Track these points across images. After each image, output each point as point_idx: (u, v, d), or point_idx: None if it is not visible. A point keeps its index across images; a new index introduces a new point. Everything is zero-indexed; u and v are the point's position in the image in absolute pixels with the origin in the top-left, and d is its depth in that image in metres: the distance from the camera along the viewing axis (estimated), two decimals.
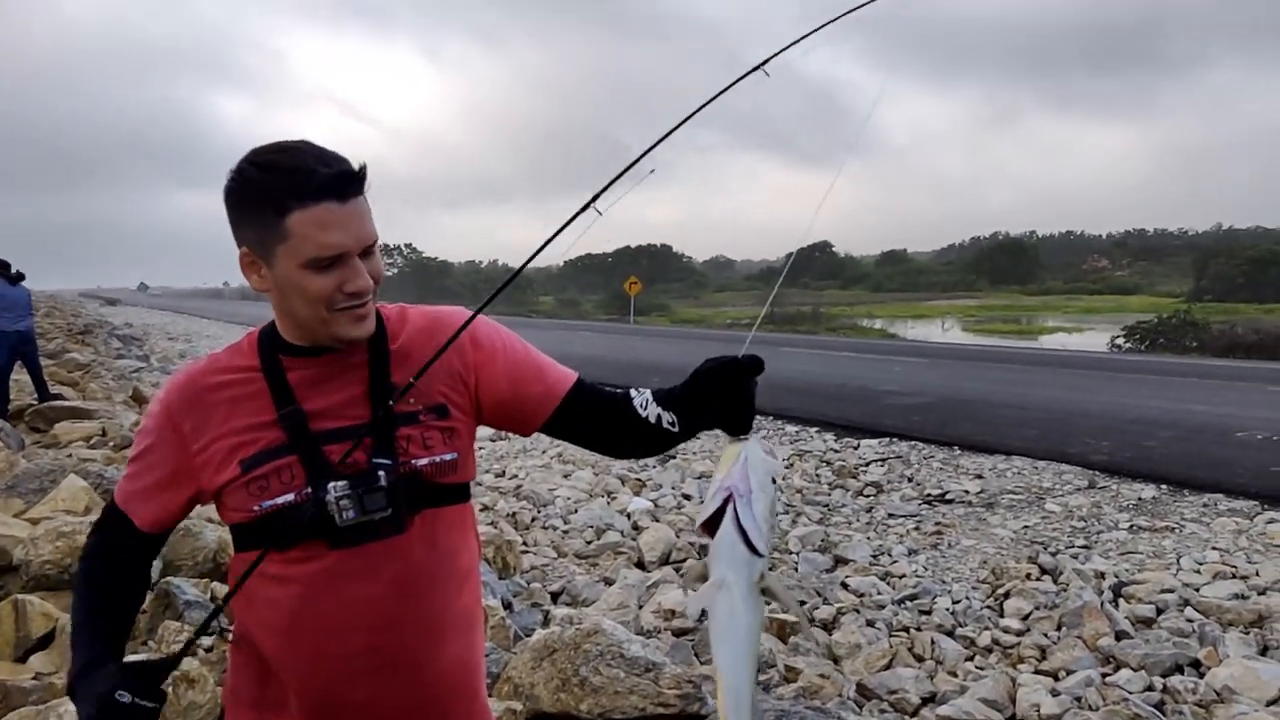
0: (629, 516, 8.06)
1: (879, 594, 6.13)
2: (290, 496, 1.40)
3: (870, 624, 5.62)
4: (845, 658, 5.27)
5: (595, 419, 1.59)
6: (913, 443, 10.73)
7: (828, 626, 5.76)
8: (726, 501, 1.36)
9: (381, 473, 1.42)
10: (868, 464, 9.93)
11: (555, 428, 1.59)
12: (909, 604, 5.94)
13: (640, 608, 5.99)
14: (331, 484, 1.39)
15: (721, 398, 1.45)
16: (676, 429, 1.55)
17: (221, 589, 4.50)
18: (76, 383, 15.09)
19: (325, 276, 1.37)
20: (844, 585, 6.41)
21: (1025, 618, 5.57)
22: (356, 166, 1.38)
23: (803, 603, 6.07)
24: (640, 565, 7.00)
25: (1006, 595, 5.89)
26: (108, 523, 1.55)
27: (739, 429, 1.44)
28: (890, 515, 8.09)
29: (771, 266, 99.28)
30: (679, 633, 5.54)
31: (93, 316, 43.56)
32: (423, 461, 1.47)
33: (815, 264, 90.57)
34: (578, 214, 1.58)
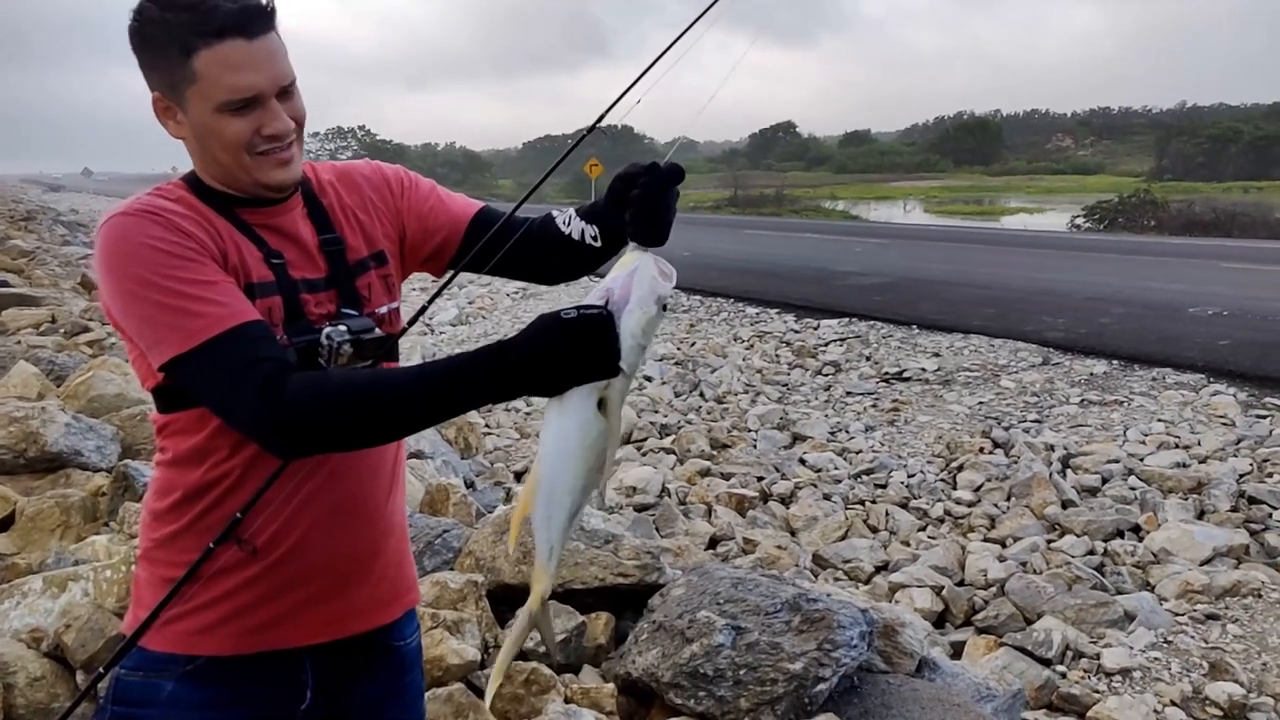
0: None
1: (836, 469, 6.28)
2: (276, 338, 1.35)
3: (827, 498, 5.78)
4: (802, 530, 5.43)
5: (511, 241, 1.51)
6: (872, 323, 10.84)
7: (785, 500, 5.92)
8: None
9: (375, 325, 1.42)
10: (827, 344, 10.04)
11: (474, 257, 1.53)
12: (865, 478, 6.10)
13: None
14: (330, 329, 1.37)
15: (638, 202, 1.35)
16: (599, 243, 1.54)
17: None
18: (21, 270, 14.66)
19: (241, 119, 1.31)
20: (802, 461, 6.56)
21: (977, 489, 5.75)
22: (264, 1, 1.31)
23: (760, 478, 6.21)
24: None
25: (960, 468, 6.07)
26: (283, 360, 1.29)
27: (652, 239, 1.35)
28: (848, 394, 8.23)
29: (735, 149, 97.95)
30: (640, 508, 5.66)
31: (35, 203, 42.05)
32: (382, 310, 1.49)
33: (779, 145, 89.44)
34: (583, 137, 1.62)
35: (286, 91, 1.35)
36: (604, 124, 1.66)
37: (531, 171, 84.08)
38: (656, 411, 7.80)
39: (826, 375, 8.92)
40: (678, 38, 1.57)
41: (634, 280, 1.29)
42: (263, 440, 1.29)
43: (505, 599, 3.40)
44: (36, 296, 11.27)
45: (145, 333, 1.29)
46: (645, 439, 7.14)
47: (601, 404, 1.30)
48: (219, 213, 1.39)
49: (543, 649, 3.05)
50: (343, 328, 1.38)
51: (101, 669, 1.40)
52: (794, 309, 12.04)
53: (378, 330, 1.43)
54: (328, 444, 1.31)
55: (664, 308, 1.32)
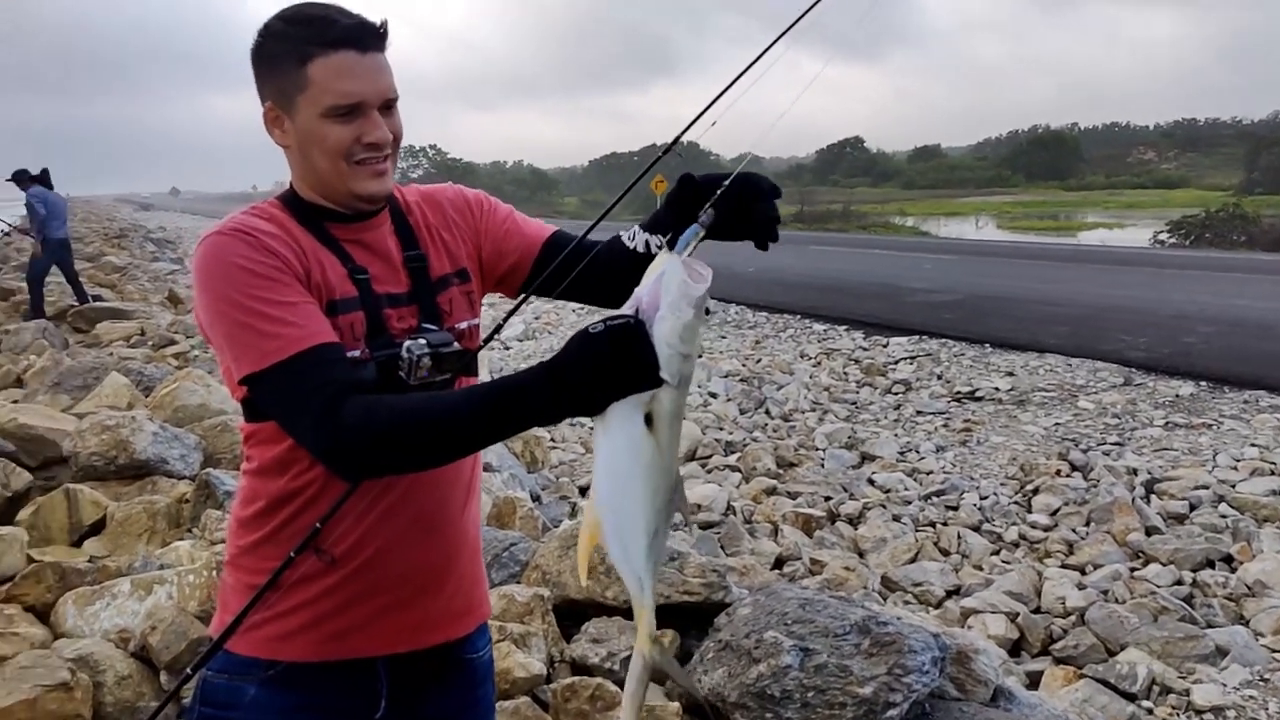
0: None
1: (905, 490, 6.18)
2: (357, 352, 1.40)
3: (896, 519, 5.68)
4: (870, 551, 5.35)
5: (582, 264, 1.52)
6: (943, 340, 10.65)
7: (853, 521, 5.83)
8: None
9: (454, 339, 1.45)
10: (896, 362, 9.89)
11: (546, 279, 1.54)
12: (936, 500, 5.98)
13: None
14: (410, 342, 1.40)
15: (738, 215, 1.43)
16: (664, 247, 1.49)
17: None
18: (114, 285, 15.29)
19: (344, 126, 1.38)
20: (870, 481, 6.47)
21: (1054, 513, 5.60)
22: (378, 22, 1.41)
23: (828, 498, 6.14)
24: None
25: (1035, 491, 5.91)
26: (347, 382, 1.30)
27: (769, 238, 1.44)
28: (919, 412, 8.09)
29: (802, 164, 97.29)
30: (705, 526, 5.64)
31: (127, 221, 43.89)
32: (462, 325, 1.52)
33: (846, 160, 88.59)
34: (660, 156, 1.60)
35: (389, 107, 1.42)
36: (673, 142, 1.66)
37: (597, 189, 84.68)
38: (721, 428, 7.77)
39: (896, 394, 8.79)
40: (756, 58, 1.58)
41: (662, 285, 1.24)
42: (323, 462, 1.33)
43: (571, 614, 3.41)
44: (128, 310, 11.74)
45: (228, 348, 1.35)
46: (710, 456, 7.11)
47: (650, 420, 1.25)
48: (309, 229, 1.44)
49: (608, 664, 3.06)
50: (422, 341, 1.41)
51: (189, 670, 1.45)
52: (862, 326, 11.90)
53: (456, 344, 1.46)
54: (380, 467, 1.33)
55: (706, 311, 1.28)
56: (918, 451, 7.05)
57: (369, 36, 1.39)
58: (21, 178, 11.65)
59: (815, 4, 1.58)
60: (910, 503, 5.93)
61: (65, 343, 9.97)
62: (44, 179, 11.72)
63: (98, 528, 4.18)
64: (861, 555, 5.33)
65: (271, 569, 1.42)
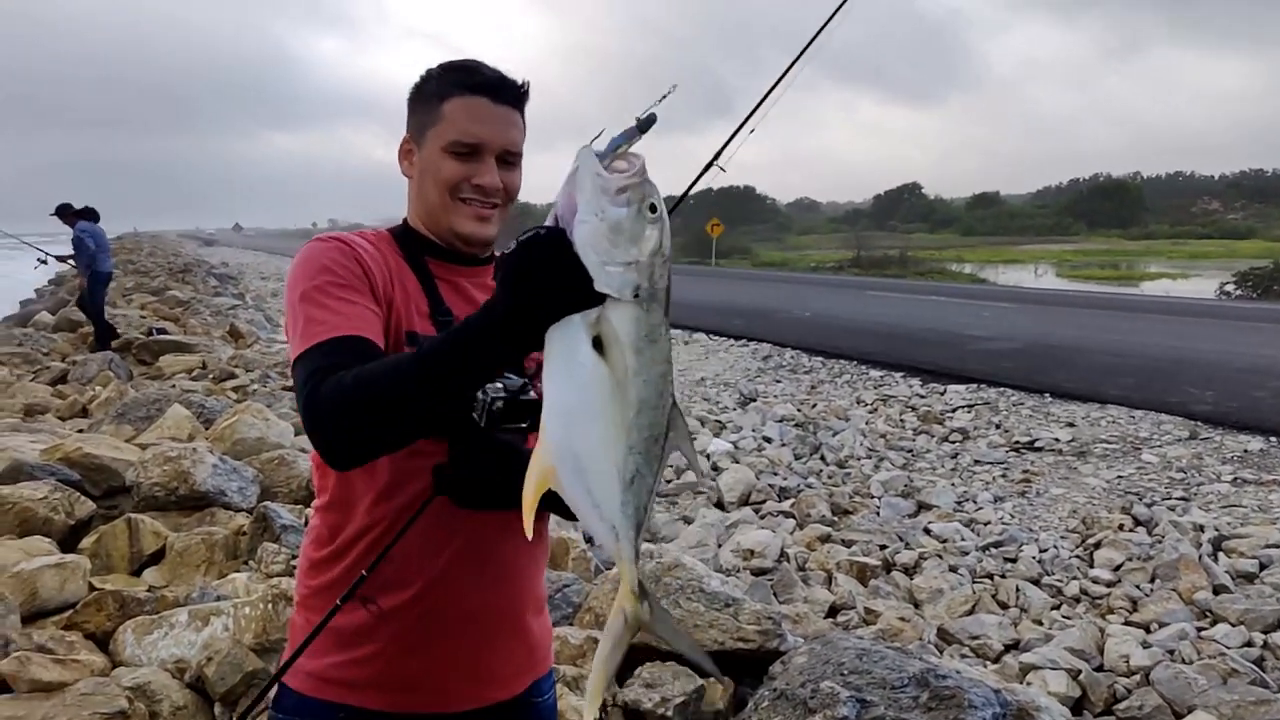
0: (708, 457, 8.07)
1: (962, 540, 6.04)
2: None
3: (953, 570, 5.54)
4: (926, 602, 5.22)
5: None
6: (1001, 389, 10.45)
7: (909, 571, 5.70)
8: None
9: (529, 384, 1.44)
10: (954, 410, 9.73)
11: None
12: (994, 551, 5.83)
13: (719, 546, 6.02)
14: (488, 385, 1.39)
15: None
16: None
17: None
18: (177, 318, 15.73)
19: (459, 164, 1.46)
20: (927, 531, 6.33)
21: (1116, 569, 5.42)
22: (520, 81, 1.50)
23: (883, 547, 6.02)
24: (719, 505, 7.02)
25: (1097, 545, 5.74)
26: (339, 360, 1.27)
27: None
28: (976, 462, 7.93)
29: (859, 209, 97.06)
30: (758, 572, 5.56)
31: (191, 256, 45.23)
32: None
33: (903, 206, 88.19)
34: (703, 172, 1.60)
35: (508, 160, 1.49)
36: (720, 182, 1.67)
37: None
38: (776, 474, 7.68)
39: (953, 443, 8.63)
40: (772, 86, 1.59)
41: (575, 184, 1.11)
42: (312, 443, 1.27)
43: (624, 658, 3.38)
44: (190, 343, 12.05)
45: (291, 337, 1.38)
46: (764, 501, 7.03)
47: (600, 345, 1.11)
48: (408, 258, 1.50)
49: (661, 710, 3.01)
50: (499, 384, 1.41)
51: (250, 704, 1.46)
52: (919, 373, 11.74)
53: (533, 393, 1.44)
54: (355, 439, 1.23)
55: (652, 208, 1.10)
56: (975, 501, 6.89)
57: (505, 90, 1.48)
58: (65, 212, 11.97)
59: (824, 27, 1.58)
60: (968, 553, 5.79)
61: (130, 374, 10.26)
62: (90, 214, 12.02)
63: (157, 557, 4.26)
64: (917, 606, 5.20)
65: (338, 613, 1.45)
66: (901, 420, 9.54)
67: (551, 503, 1.21)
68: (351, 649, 1.46)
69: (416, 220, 1.55)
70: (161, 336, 12.28)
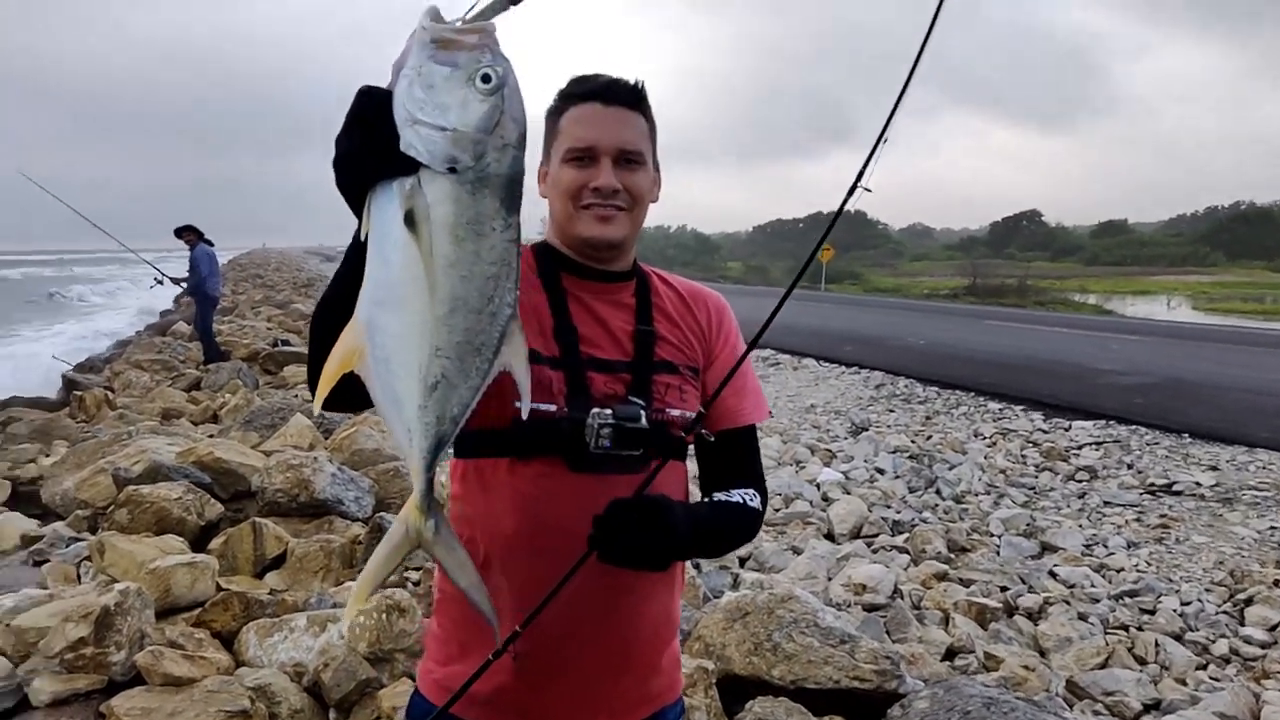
0: (818, 487, 7.88)
1: (1093, 586, 5.70)
2: (551, 408, 1.41)
3: (1082, 618, 5.23)
4: (1053, 650, 4.94)
5: (724, 466, 1.58)
6: (1133, 427, 9.90)
7: (1033, 616, 5.41)
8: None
9: (642, 413, 1.44)
10: (1080, 447, 9.26)
11: (710, 442, 1.56)
12: (1128, 600, 5.48)
13: (829, 579, 5.84)
14: (596, 409, 1.41)
15: None
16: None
17: None
18: (299, 330, 16.40)
19: (576, 170, 1.47)
20: (1052, 574, 6.01)
21: (1272, 629, 5.01)
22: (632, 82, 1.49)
23: (1004, 588, 5.74)
24: (829, 537, 6.83)
25: (1249, 601, 5.33)
26: None
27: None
28: (1106, 503, 7.50)
29: (974, 236, 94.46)
30: (870, 608, 5.36)
31: (314, 271, 47.25)
32: (675, 412, 1.50)
33: (1022, 233, 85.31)
34: (850, 193, 1.53)
35: (628, 160, 1.48)
36: (830, 205, 1.61)
37: (761, 254, 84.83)
38: (889, 506, 7.44)
39: (1080, 481, 8.20)
40: (899, 96, 1.50)
41: (410, 42, 1.03)
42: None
43: (734, 690, 3.28)
44: None
45: None
46: (876, 534, 6.81)
47: (412, 221, 1.02)
48: (542, 274, 1.51)
49: None
50: (608, 412, 1.41)
51: None
52: (1041, 407, 11.24)
53: (644, 422, 1.43)
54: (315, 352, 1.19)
55: (485, 79, 1.00)
56: (1105, 545, 6.51)
57: (616, 92, 1.48)
58: (186, 233, 12.30)
59: (927, 38, 1.48)
60: (1098, 601, 5.46)
61: (256, 383, 10.73)
62: (202, 238, 12.37)
63: (278, 561, 4.38)
64: (1043, 654, 4.92)
65: (461, 639, 1.49)
66: (1023, 456, 9.14)
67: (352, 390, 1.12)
68: (472, 663, 1.45)
69: (553, 237, 1.56)
70: (285, 348, 12.80)
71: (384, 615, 3.21)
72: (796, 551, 6.38)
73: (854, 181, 1.46)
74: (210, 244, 12.53)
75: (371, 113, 1.04)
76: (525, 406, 1.17)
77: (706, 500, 1.55)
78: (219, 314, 13.89)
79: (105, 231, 12.66)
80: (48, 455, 6.99)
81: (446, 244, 1.02)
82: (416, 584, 4.07)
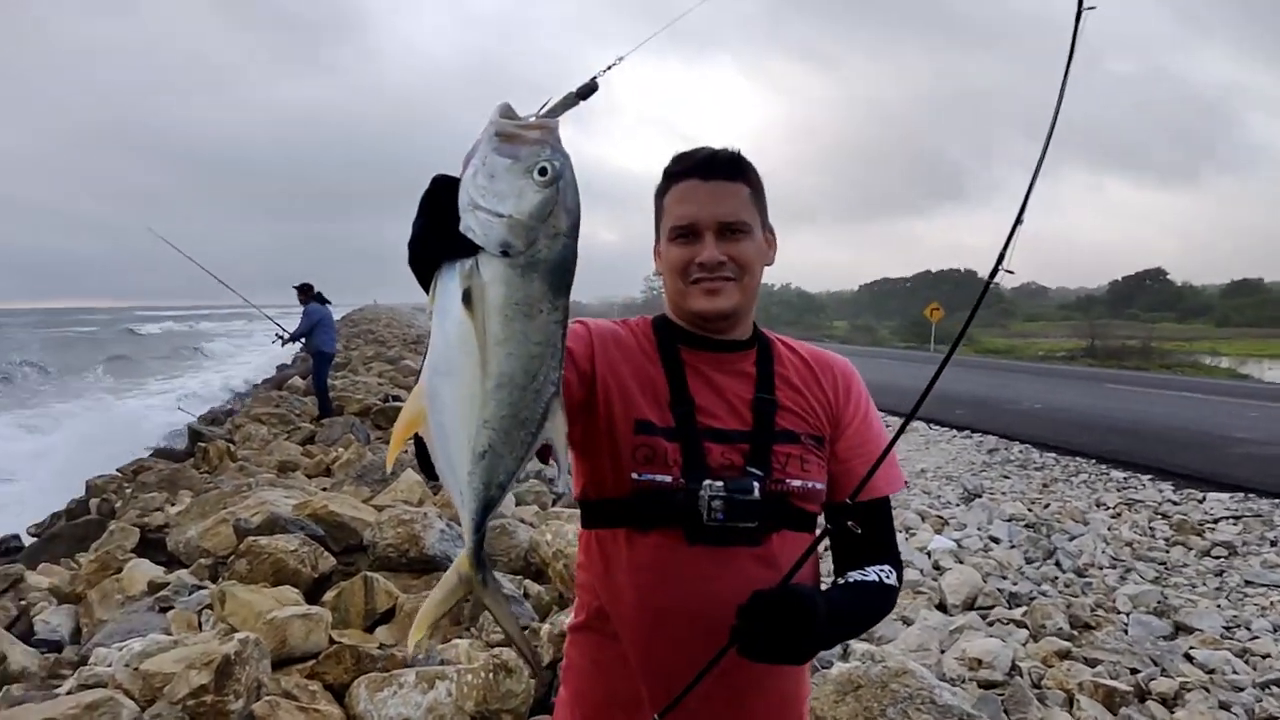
0: (929, 555, 7.61)
1: (1235, 673, 5.31)
2: (667, 479, 1.42)
3: (1225, 707, 4.86)
4: None
5: (858, 540, 1.51)
6: (1276, 501, 9.27)
7: (1168, 702, 5.06)
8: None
9: (756, 485, 1.42)
10: (1216, 521, 8.70)
11: (844, 513, 1.51)
12: (1275, 689, 5.07)
13: (942, 652, 5.60)
14: (708, 481, 1.41)
15: None
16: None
17: (535, 587, 4.74)
18: (409, 386, 16.80)
19: (681, 247, 1.49)
20: (1188, 657, 5.62)
21: None
22: (731, 153, 1.51)
23: (1134, 670, 5.38)
24: (941, 607, 6.56)
25: None
26: None
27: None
28: (1248, 583, 7.00)
29: (1092, 295, 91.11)
30: (986, 684, 5.10)
31: (423, 327, 48.68)
32: (796, 483, 1.48)
33: (1145, 293, 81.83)
34: (991, 276, 1.51)
35: (730, 231, 1.48)
36: (939, 264, 1.56)
37: (866, 314, 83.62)
38: (1005, 577, 7.13)
39: (1217, 558, 7.69)
40: (1035, 174, 1.46)
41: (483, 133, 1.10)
42: None
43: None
44: None
45: None
46: (991, 606, 6.51)
47: (468, 299, 1.07)
48: (661, 346, 1.53)
49: None
50: (720, 483, 1.41)
51: None
52: (1171, 477, 10.65)
53: (757, 493, 1.42)
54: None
55: (542, 171, 1.06)
56: (1248, 629, 6.07)
57: (714, 166, 1.49)
58: (301, 290, 12.70)
59: (1059, 106, 1.44)
60: (1242, 689, 5.07)
61: (368, 438, 11.04)
62: (318, 297, 12.79)
63: (388, 616, 4.45)
64: None
65: (579, 687, 1.53)
66: (1151, 528, 8.64)
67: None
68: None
69: (671, 312, 1.58)
70: (396, 403, 13.16)
71: (491, 674, 3.22)
72: (906, 622, 6.15)
73: (995, 264, 1.43)
74: (325, 302, 12.99)
75: (441, 198, 1.11)
76: (561, 480, 1.28)
77: (843, 581, 1.51)
78: (332, 370, 14.39)
79: (228, 286, 13.27)
80: (173, 504, 7.33)
81: (497, 323, 1.08)
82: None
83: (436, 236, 1.11)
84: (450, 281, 1.09)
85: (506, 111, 1.11)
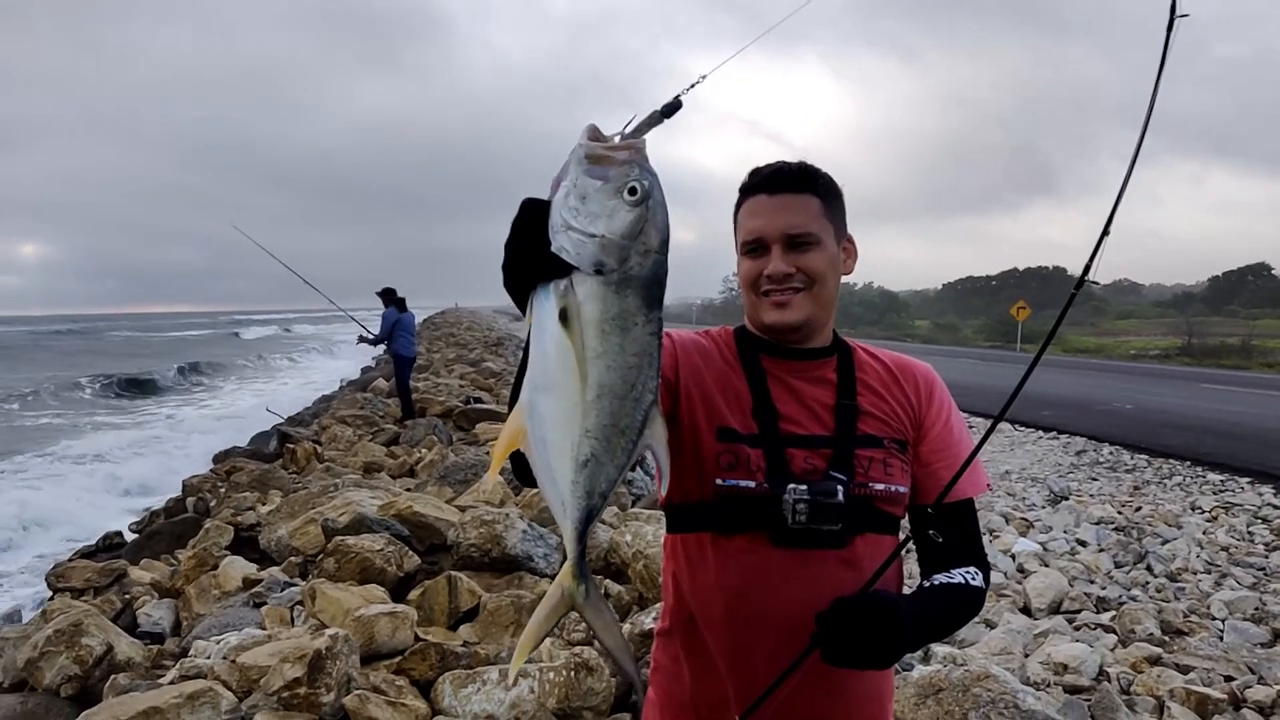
0: (1013, 558, 7.46)
1: None
2: (750, 484, 1.46)
3: None
4: None
5: (944, 544, 1.54)
6: None
7: (1265, 711, 4.88)
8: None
9: (840, 488, 1.45)
10: None
11: (927, 517, 1.54)
12: None
13: (1026, 656, 5.49)
14: (792, 485, 1.44)
15: None
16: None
17: (615, 587, 4.80)
18: (490, 388, 17.12)
19: (752, 261, 1.53)
20: None
21: None
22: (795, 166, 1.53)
23: (1229, 678, 5.20)
24: (1026, 611, 6.43)
25: None
26: None
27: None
28: None
29: (1189, 292, 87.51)
30: (1071, 690, 4.99)
31: (503, 330, 49.43)
32: (879, 486, 1.50)
33: (1246, 289, 78.24)
34: (1077, 288, 1.54)
35: (798, 243, 1.51)
36: (1026, 262, 1.56)
37: (950, 313, 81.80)
38: (1092, 581, 6.94)
39: None
40: (1123, 187, 1.45)
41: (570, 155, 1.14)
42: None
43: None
44: (503, 412, 13.02)
45: None
46: (1078, 611, 6.35)
47: (566, 318, 1.10)
48: (743, 357, 1.56)
49: None
50: (804, 487, 1.44)
51: None
52: (1272, 479, 10.21)
53: (840, 497, 1.44)
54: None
55: (632, 191, 1.09)
56: None
57: (780, 180, 1.52)
58: (383, 295, 13.06)
59: (1157, 86, 1.41)
60: None
61: (450, 439, 11.24)
62: (397, 300, 13.08)
63: (470, 615, 4.56)
64: None
65: (673, 697, 1.57)
66: (1249, 533, 8.30)
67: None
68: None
69: (748, 320, 1.61)
70: (477, 405, 13.39)
71: (572, 673, 3.29)
72: (990, 625, 6.04)
73: (1080, 277, 1.45)
74: (404, 308, 13.28)
75: (532, 221, 1.15)
76: (664, 486, 1.32)
77: (928, 584, 1.52)
78: (415, 372, 14.72)
79: (312, 285, 13.60)
80: (264, 504, 7.60)
81: (594, 338, 1.12)
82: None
83: (530, 258, 1.15)
84: (546, 300, 1.13)
85: (594, 133, 1.14)
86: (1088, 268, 1.48)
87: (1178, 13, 1.39)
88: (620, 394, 1.14)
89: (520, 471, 1.25)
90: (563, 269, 1.12)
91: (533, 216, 1.16)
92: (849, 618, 1.30)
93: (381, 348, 13.62)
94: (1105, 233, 1.46)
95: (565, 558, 1.26)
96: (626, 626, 3.91)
